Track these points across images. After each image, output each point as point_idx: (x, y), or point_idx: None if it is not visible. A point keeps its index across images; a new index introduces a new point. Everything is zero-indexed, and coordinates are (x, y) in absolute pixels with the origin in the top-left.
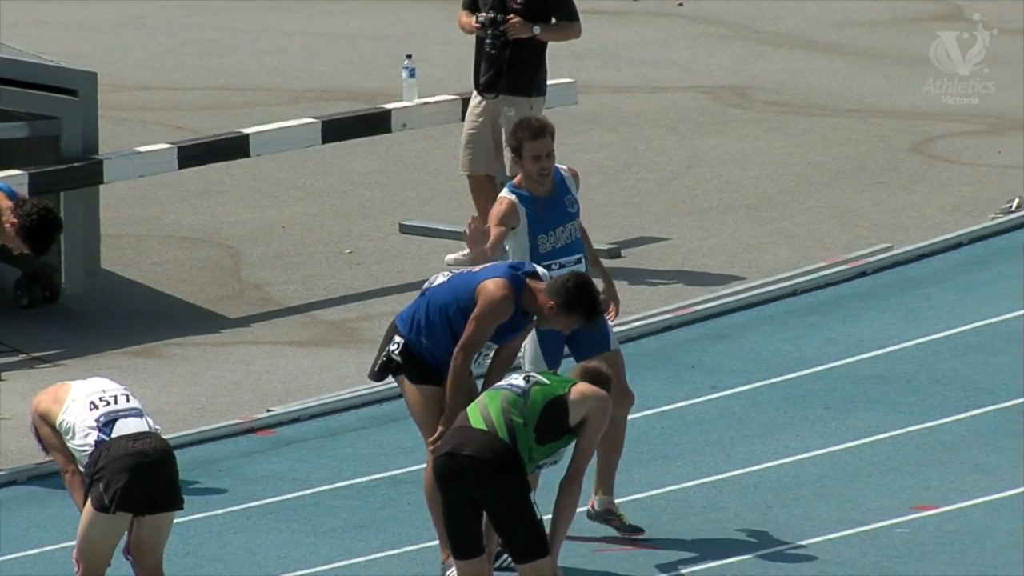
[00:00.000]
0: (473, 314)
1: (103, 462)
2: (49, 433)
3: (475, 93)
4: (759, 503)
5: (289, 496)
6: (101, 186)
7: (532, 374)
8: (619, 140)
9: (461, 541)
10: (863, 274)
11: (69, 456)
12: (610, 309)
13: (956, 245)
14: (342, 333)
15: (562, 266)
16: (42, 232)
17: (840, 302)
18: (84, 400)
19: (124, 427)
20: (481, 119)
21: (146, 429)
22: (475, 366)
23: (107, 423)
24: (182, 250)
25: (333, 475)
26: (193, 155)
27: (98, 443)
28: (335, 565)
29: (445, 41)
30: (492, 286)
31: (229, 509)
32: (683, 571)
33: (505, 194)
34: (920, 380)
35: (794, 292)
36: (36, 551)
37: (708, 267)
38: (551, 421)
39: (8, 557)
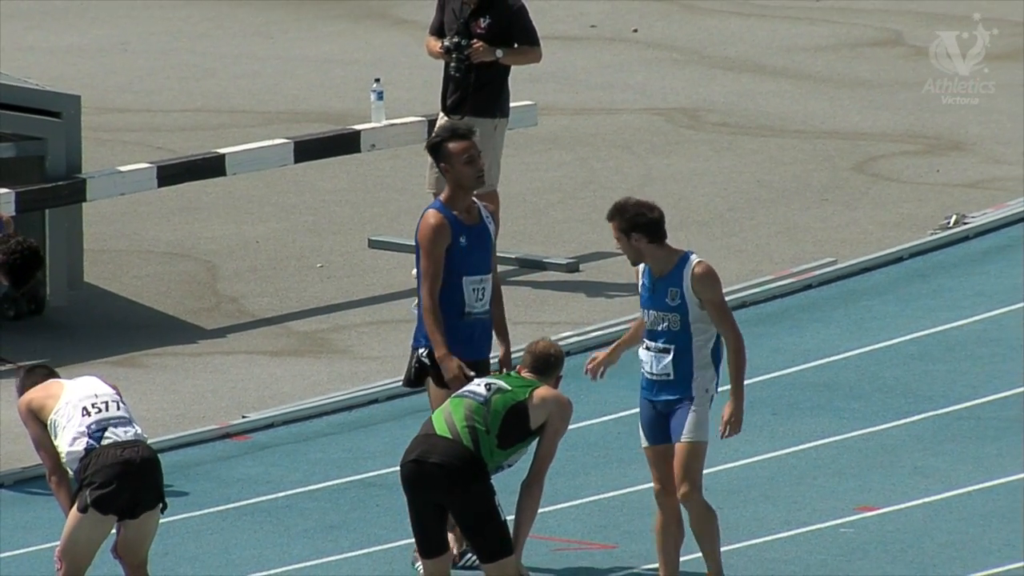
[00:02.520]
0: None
1: (92, 468)
2: (38, 431)
3: (442, 114)
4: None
5: (263, 498)
6: (84, 203)
7: (493, 381)
8: (577, 159)
9: (427, 541)
10: (808, 287)
11: (56, 458)
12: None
13: (897, 259)
14: (314, 343)
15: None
16: (24, 270)
17: (787, 313)
18: (77, 404)
19: (113, 435)
20: None
21: (133, 438)
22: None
23: (98, 430)
24: (161, 264)
25: (305, 478)
26: (172, 174)
27: (88, 450)
28: (307, 564)
29: (412, 65)
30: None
31: (206, 511)
32: (637, 569)
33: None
34: (863, 387)
35: (743, 304)
36: (22, 551)
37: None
38: (512, 427)
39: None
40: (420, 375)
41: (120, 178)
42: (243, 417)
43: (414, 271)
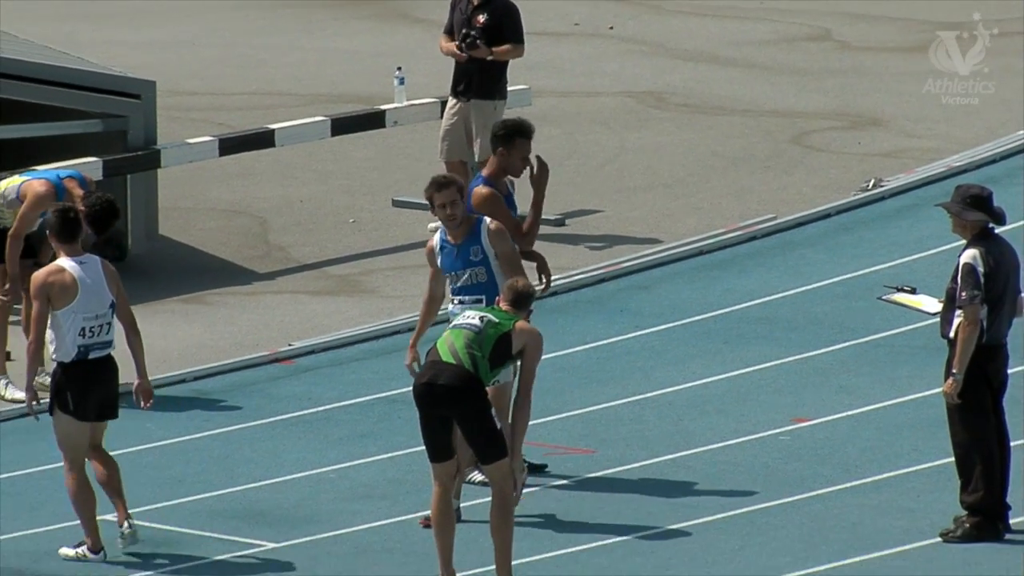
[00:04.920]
0: None
1: (71, 376)
2: (43, 309)
3: (451, 97)
4: (672, 417)
5: (305, 412)
6: (158, 170)
7: (484, 314)
8: (563, 134)
9: (435, 448)
10: (753, 238)
11: (44, 334)
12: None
13: (826, 215)
14: (347, 285)
15: (462, 302)
16: (103, 219)
17: (735, 260)
18: (80, 319)
19: (94, 355)
20: (456, 117)
21: (107, 356)
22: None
23: (86, 349)
24: (221, 220)
25: (340, 395)
26: (230, 145)
27: (74, 361)
28: (341, 466)
29: (428, 56)
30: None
31: (259, 422)
32: (613, 469)
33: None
34: (798, 321)
35: (700, 252)
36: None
37: (633, 233)
38: (500, 352)
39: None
40: None
41: (188, 149)
42: (289, 345)
43: (430, 225)
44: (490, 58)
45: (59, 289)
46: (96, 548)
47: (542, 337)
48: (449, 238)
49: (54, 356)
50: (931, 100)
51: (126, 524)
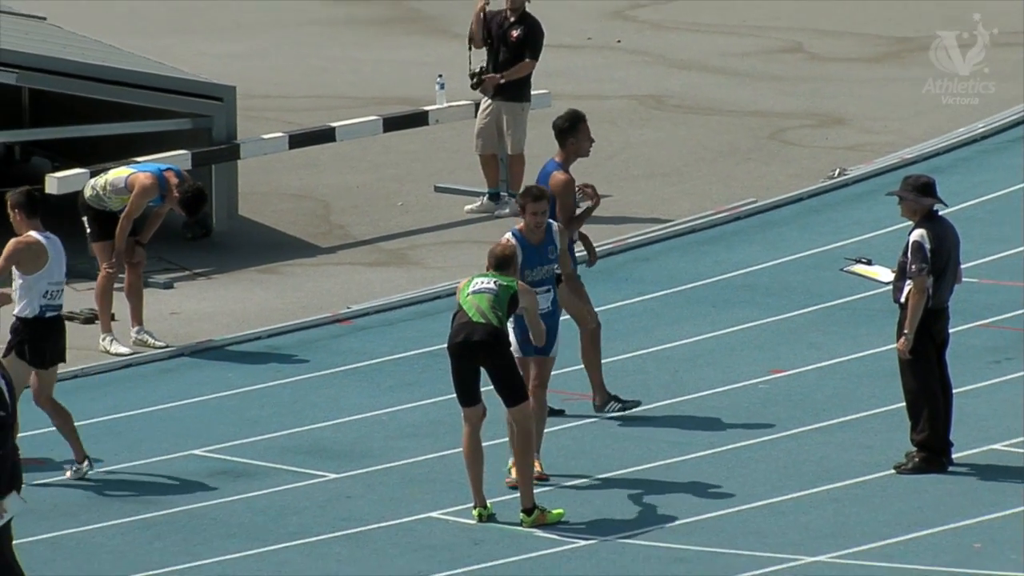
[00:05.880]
0: None
1: (33, 332)
2: (4, 269)
3: (485, 99)
4: (669, 369)
5: (361, 364)
6: (238, 161)
7: (496, 279)
8: None
9: (467, 394)
10: (738, 218)
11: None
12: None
13: (799, 199)
14: (396, 257)
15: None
16: (195, 204)
17: (722, 237)
18: (45, 283)
19: (49, 314)
20: (488, 117)
21: (58, 315)
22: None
23: (44, 309)
24: (291, 203)
25: (390, 350)
26: (298, 140)
27: (36, 317)
28: (391, 409)
29: (464, 65)
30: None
31: (322, 373)
32: (620, 413)
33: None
34: (774, 287)
35: (692, 230)
36: (198, 399)
37: (636, 214)
38: (511, 307)
39: (178, 403)
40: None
41: (263, 143)
42: (347, 308)
43: (466, 207)
44: (502, 81)
45: (32, 254)
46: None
47: (535, 294)
48: (530, 239)
49: (16, 312)
50: (886, 102)
51: (86, 463)
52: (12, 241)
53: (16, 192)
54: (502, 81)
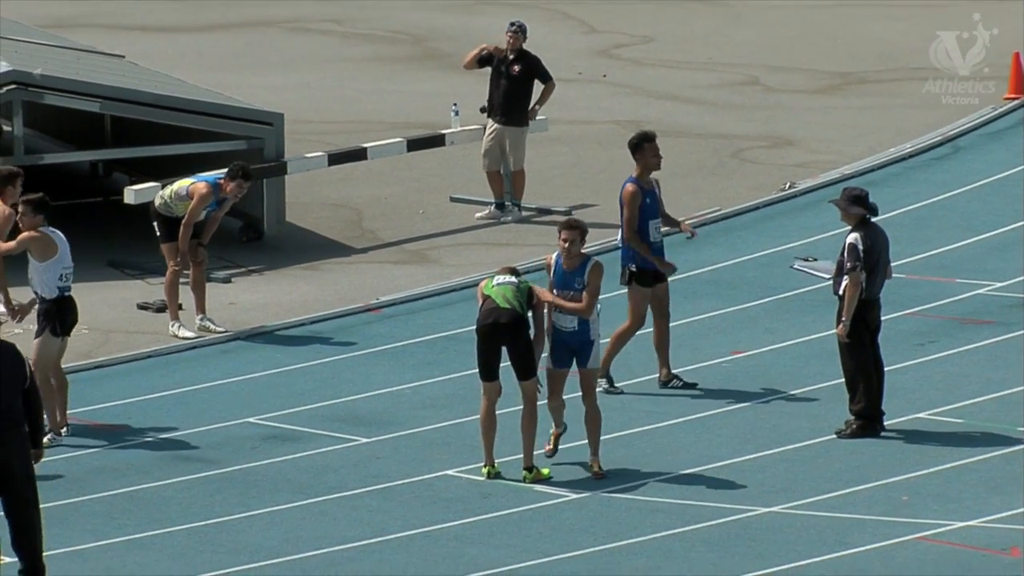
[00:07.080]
0: None
1: (59, 308)
2: (10, 252)
3: (490, 123)
4: (647, 349)
5: (388, 346)
6: (285, 176)
7: (513, 278)
8: (571, 151)
9: (489, 369)
10: (704, 224)
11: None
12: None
13: (756, 208)
14: (418, 257)
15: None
16: (245, 170)
17: (691, 241)
18: (60, 268)
19: (67, 292)
20: (493, 139)
21: (71, 294)
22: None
23: (62, 290)
24: (330, 211)
25: (412, 334)
26: (336, 158)
27: (56, 298)
28: (414, 384)
29: (475, 95)
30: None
31: (356, 353)
32: (605, 387)
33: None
34: (735, 282)
35: (667, 234)
36: (251, 376)
37: (619, 220)
38: (528, 300)
39: (235, 379)
40: (630, 279)
41: (306, 160)
42: (376, 299)
43: (476, 215)
44: (538, 108)
45: (44, 245)
46: (58, 429)
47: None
48: (564, 264)
49: (39, 292)
50: (829, 127)
51: (65, 429)
52: (25, 233)
53: (30, 196)
54: (539, 108)
